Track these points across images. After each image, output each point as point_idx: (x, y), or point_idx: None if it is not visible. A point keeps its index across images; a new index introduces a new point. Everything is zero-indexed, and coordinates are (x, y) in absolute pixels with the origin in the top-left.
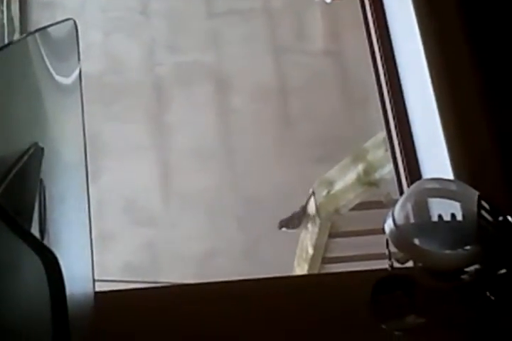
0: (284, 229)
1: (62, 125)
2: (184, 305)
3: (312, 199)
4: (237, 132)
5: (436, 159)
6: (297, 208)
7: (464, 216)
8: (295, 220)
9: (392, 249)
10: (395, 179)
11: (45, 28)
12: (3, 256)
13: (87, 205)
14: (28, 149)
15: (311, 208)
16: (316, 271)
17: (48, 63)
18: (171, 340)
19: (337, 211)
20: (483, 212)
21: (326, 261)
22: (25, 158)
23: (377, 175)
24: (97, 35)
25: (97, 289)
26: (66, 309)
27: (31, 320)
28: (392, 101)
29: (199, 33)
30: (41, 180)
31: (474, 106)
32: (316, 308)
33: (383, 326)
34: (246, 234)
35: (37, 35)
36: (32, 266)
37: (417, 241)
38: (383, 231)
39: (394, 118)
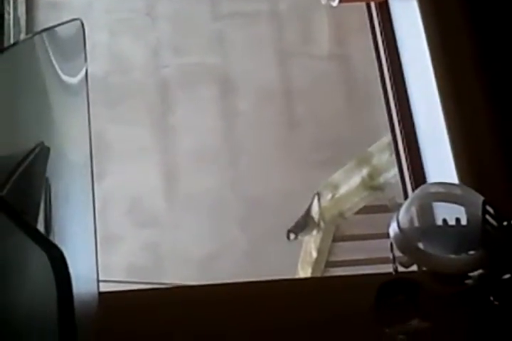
0: (292, 237)
1: (68, 125)
2: (187, 307)
3: (316, 202)
4: (242, 134)
5: (441, 163)
6: (301, 211)
7: (468, 220)
8: (301, 226)
9: (397, 253)
10: (400, 183)
11: (52, 27)
12: (10, 252)
13: (92, 205)
14: (34, 148)
15: (315, 212)
16: (319, 275)
17: (54, 62)
18: None
19: (341, 215)
20: (488, 217)
21: (330, 264)
22: (32, 157)
23: (381, 179)
24: (102, 37)
25: (101, 289)
26: (73, 304)
27: (38, 316)
28: (397, 105)
29: (204, 35)
30: (47, 179)
31: (479, 111)
32: (319, 311)
33: (387, 330)
34: (249, 237)
35: (44, 34)
36: (38, 261)
37: (421, 245)
38: (388, 235)
39: (399, 122)
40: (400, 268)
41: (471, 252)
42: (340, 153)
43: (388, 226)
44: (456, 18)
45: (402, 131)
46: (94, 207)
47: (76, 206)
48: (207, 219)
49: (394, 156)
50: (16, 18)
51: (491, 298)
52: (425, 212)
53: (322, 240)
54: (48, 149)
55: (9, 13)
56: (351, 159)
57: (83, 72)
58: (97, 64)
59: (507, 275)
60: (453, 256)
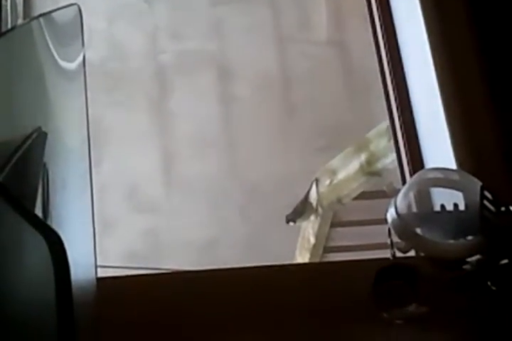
0: (291, 223)
1: (66, 110)
2: (186, 292)
3: (314, 188)
4: (240, 120)
5: (439, 149)
6: (299, 197)
7: (466, 206)
8: (300, 211)
9: (394, 238)
10: (398, 168)
11: (49, 12)
12: (8, 237)
13: (89, 191)
14: (32, 133)
15: (314, 197)
16: (317, 260)
17: (52, 48)
18: (172, 327)
19: (339, 200)
20: (486, 202)
21: (328, 250)
22: (29, 142)
23: (379, 165)
24: (100, 23)
25: (99, 275)
26: (71, 289)
27: (35, 302)
28: (395, 90)
29: (202, 21)
30: (44, 164)
31: (478, 96)
32: (316, 297)
33: (385, 315)
34: (248, 223)
35: (41, 19)
36: (36, 246)
37: (419, 231)
38: (385, 220)
39: (397, 108)
40: (398, 254)
41: (469, 238)
42: (339, 138)
43: (386, 211)
44: (456, 6)
45: (401, 117)
46: (92, 192)
47: (74, 191)
48: (206, 204)
49: (392, 142)
50: (14, 4)
51: (489, 284)
52: (423, 197)
53: (320, 226)
54: (46, 134)
55: None
56: (349, 145)
57: (81, 57)
58: (94, 49)
59: (505, 261)
60: (451, 241)
